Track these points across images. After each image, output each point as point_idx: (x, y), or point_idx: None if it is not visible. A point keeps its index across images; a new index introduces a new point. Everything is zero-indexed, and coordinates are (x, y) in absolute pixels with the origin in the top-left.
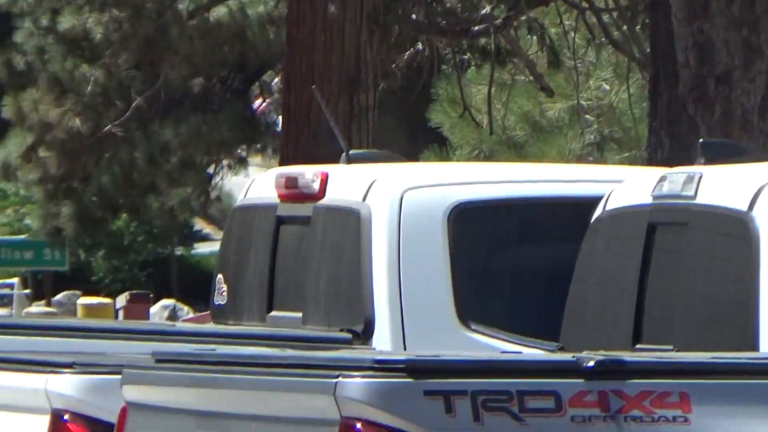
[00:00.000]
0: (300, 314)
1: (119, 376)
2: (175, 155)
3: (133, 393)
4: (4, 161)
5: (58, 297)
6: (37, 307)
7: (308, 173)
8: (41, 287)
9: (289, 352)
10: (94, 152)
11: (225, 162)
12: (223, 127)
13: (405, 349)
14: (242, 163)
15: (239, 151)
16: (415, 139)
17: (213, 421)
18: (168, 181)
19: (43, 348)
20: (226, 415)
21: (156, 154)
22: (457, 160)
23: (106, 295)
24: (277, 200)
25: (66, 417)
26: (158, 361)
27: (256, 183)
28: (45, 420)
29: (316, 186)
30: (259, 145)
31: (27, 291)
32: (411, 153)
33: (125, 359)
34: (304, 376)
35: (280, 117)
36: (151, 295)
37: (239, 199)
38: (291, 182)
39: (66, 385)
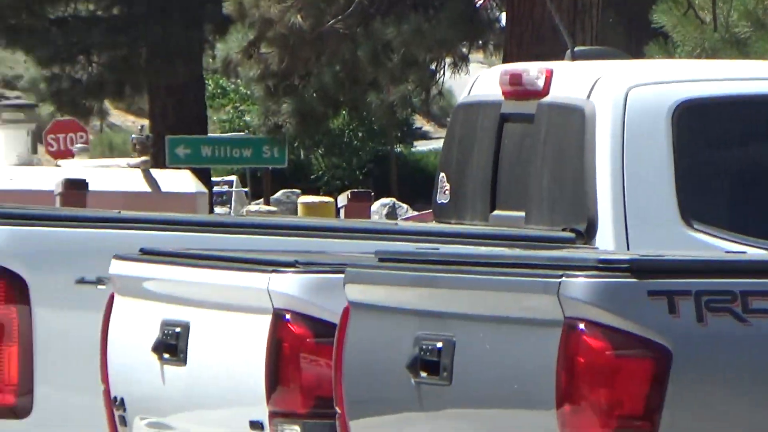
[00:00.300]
0: (523, 213)
1: (342, 276)
2: (398, 54)
3: (356, 292)
4: (225, 57)
5: (277, 195)
6: (257, 206)
7: (533, 70)
8: (260, 185)
9: (512, 251)
10: (315, 48)
11: (447, 59)
12: (445, 24)
13: (628, 249)
14: (464, 60)
15: (461, 48)
16: (636, 38)
17: (435, 321)
18: (390, 79)
19: (265, 247)
20: (448, 315)
21: (379, 53)
22: (680, 58)
23: (325, 194)
24: (501, 97)
25: (288, 317)
26: (381, 260)
27: (480, 80)
28: (266, 320)
29: (541, 83)
30: (480, 42)
31: (246, 189)
32: (632, 52)
33: (348, 258)
34: (527, 275)
35: (503, 13)
36: (373, 194)
37: (463, 96)
38: (515, 79)
39: (289, 285)
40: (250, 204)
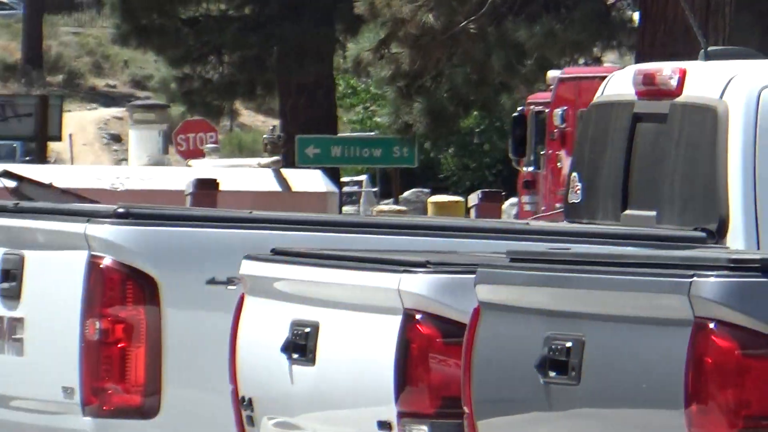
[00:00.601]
0: (654, 213)
1: (473, 276)
2: (531, 58)
3: (487, 292)
4: (356, 57)
5: (406, 194)
6: (386, 205)
7: (666, 69)
8: (389, 184)
9: (644, 251)
10: (446, 48)
11: (580, 61)
12: (578, 25)
13: (759, 248)
14: (597, 61)
15: (593, 49)
16: (767, 38)
17: (564, 321)
18: (523, 82)
19: (395, 246)
20: (578, 314)
21: (512, 59)
22: None
23: (454, 194)
24: (635, 97)
25: (418, 317)
26: (512, 260)
27: (613, 79)
28: (396, 320)
29: (674, 82)
30: (614, 42)
31: (375, 188)
32: (765, 52)
33: (479, 258)
34: (658, 275)
35: (635, 14)
36: (504, 194)
37: (596, 96)
38: (648, 79)
39: (419, 285)
40: (379, 203)
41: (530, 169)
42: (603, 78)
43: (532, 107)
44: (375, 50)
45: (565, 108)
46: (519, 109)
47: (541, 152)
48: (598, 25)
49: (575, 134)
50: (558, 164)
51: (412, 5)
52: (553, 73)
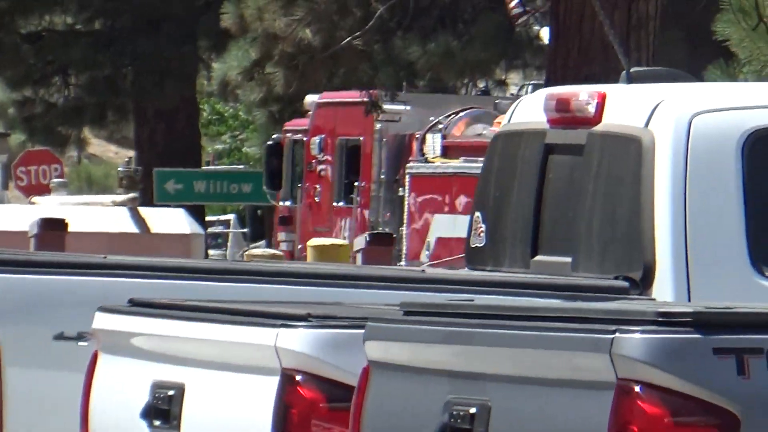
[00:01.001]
0: (569, 258)
1: (362, 331)
2: (424, 78)
3: (378, 350)
4: (223, 78)
5: (280, 236)
6: (258, 249)
7: (583, 94)
8: (261, 225)
9: (558, 303)
10: (326, 69)
11: (480, 84)
12: (479, 43)
13: (690, 300)
14: (501, 85)
15: (497, 69)
16: (700, 57)
17: (468, 383)
18: None
19: (271, 297)
20: (483, 376)
21: (401, 78)
22: (745, 78)
23: (336, 236)
24: (546, 125)
25: (298, 378)
26: (407, 312)
27: (522, 105)
28: (273, 381)
29: (592, 109)
30: (518, 62)
31: (245, 229)
32: (695, 73)
33: (368, 311)
34: (574, 331)
35: (543, 29)
36: (395, 236)
37: (503, 124)
38: (563, 104)
39: (300, 341)
40: (249, 247)
41: (287, 203)
42: (364, 103)
43: (288, 135)
44: (245, 71)
45: (324, 136)
46: (274, 137)
47: (298, 185)
48: (502, 43)
49: (337, 165)
50: (316, 198)
51: (288, 19)
52: (311, 98)
